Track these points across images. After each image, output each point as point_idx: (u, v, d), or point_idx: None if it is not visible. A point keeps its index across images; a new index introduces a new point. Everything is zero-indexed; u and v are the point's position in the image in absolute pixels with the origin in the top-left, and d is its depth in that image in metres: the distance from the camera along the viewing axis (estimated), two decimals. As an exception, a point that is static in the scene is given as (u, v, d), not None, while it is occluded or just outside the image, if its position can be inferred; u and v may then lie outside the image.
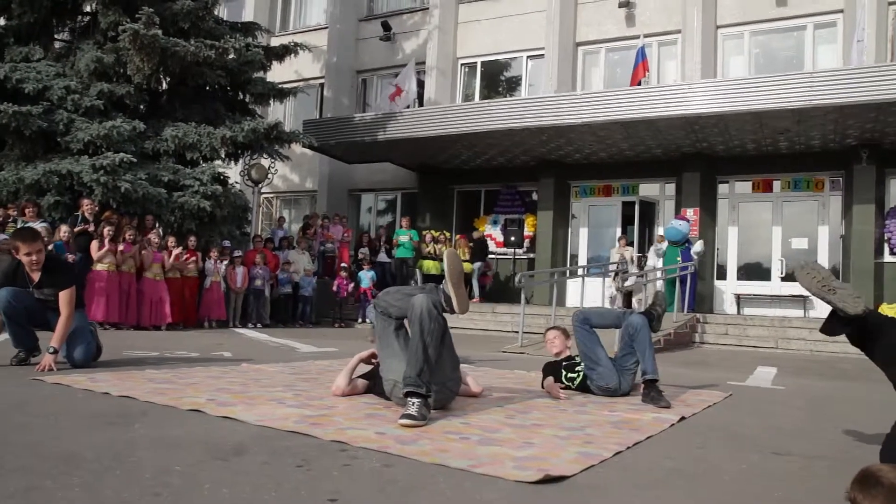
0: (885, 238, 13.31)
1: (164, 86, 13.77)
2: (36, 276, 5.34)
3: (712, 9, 15.08)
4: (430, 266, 15.20)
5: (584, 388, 5.11)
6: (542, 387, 5.02)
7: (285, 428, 3.37)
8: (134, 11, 12.25)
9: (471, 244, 15.48)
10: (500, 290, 15.56)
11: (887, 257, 13.28)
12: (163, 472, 2.47)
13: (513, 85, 17.76)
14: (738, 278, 14.90)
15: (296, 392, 4.52)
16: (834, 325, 3.44)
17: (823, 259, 14.08)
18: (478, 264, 15.40)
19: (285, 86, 16.73)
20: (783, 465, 3.18)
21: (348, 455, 2.91)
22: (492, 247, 16.63)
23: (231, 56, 13.55)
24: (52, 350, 5.11)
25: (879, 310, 12.34)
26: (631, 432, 3.65)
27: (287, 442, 3.10)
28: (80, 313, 5.51)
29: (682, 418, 4.19)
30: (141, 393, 4.13)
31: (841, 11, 14.08)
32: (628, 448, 3.30)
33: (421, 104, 17.14)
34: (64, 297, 5.26)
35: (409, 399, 3.67)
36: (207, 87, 14.30)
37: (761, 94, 11.93)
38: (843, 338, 10.15)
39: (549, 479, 2.62)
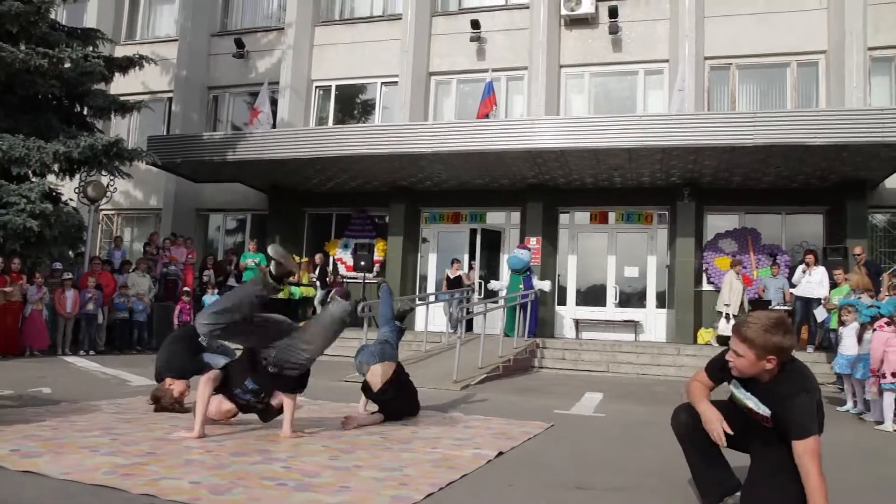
0: (703, 269, 14.59)
1: (-12, 93, 12.78)
2: None
3: (556, 49, 15.99)
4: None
5: None
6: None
7: (93, 481, 3.26)
8: (-47, 13, 11.32)
9: (317, 268, 15.36)
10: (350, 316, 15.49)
11: (705, 286, 14.55)
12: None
13: (367, 109, 17.91)
14: (577, 304, 15.75)
15: (114, 436, 4.35)
16: None
17: (651, 286, 15.22)
18: (324, 290, 15.29)
19: (131, 98, 15.97)
20: (580, 500, 3.45)
21: (155, 510, 2.87)
22: (342, 270, 16.62)
23: (67, 65, 12.80)
24: None
25: (697, 334, 13.56)
26: (448, 471, 3.82)
27: (91, 498, 3.01)
28: None
29: (500, 453, 4.42)
30: (-68, 446, 3.84)
31: (667, 61, 15.40)
32: (441, 489, 3.46)
33: (273, 125, 16.90)
34: None
35: None
36: (39, 97, 13.39)
37: (598, 133, 12.74)
38: (663, 361, 10.88)
39: (353, 529, 2.71)
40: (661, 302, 15.13)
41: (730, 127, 12.08)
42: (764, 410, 2.93)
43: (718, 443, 2.94)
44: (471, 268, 15.58)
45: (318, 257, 15.69)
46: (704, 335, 13.89)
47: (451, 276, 14.89)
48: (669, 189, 14.64)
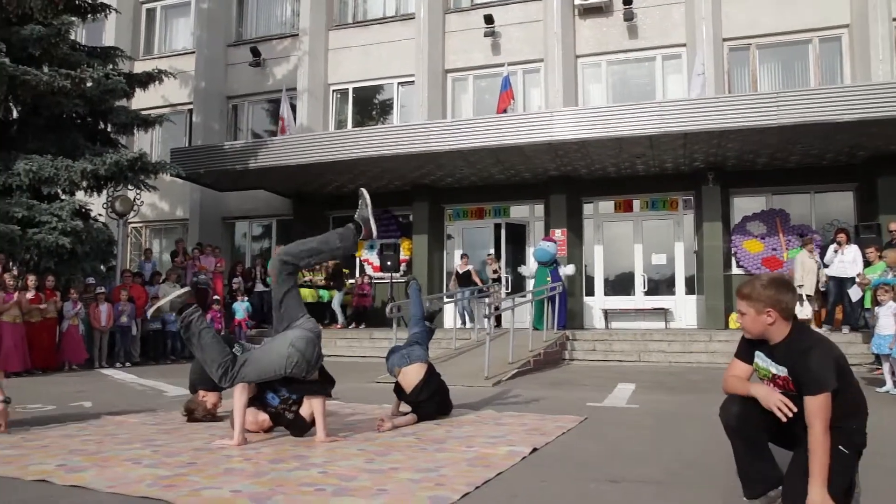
0: (732, 252, 14.44)
1: (15, 115, 13.04)
2: None
3: (571, 39, 15.91)
4: (306, 294, 15.04)
5: None
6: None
7: (137, 493, 3.34)
8: (-22, 39, 11.56)
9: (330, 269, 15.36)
10: (378, 316, 15.61)
11: (735, 270, 14.40)
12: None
13: (385, 110, 17.98)
14: (606, 294, 15.69)
15: (154, 448, 4.44)
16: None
17: (680, 272, 15.10)
18: (341, 291, 15.31)
19: (152, 111, 16.18)
20: (614, 494, 3.46)
21: (198, 521, 2.93)
22: (368, 271, 16.71)
23: (89, 84, 13.00)
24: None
25: (729, 319, 13.40)
26: (483, 470, 3.85)
27: (136, 511, 3.08)
28: None
29: (535, 449, 4.44)
30: (-19, 464, 3.95)
31: (684, 45, 15.26)
32: (477, 488, 3.49)
33: (294, 130, 17.02)
34: None
35: None
36: (64, 116, 13.64)
37: (618, 122, 12.65)
38: (695, 348, 10.78)
39: (393, 532, 2.75)
40: (690, 288, 15.01)
41: (752, 109, 11.93)
42: (781, 370, 2.99)
43: (783, 412, 2.90)
44: (487, 263, 15.41)
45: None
46: (736, 320, 13.74)
47: (461, 272, 14.96)
48: (693, 174, 14.51)
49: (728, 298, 13.89)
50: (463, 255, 15.29)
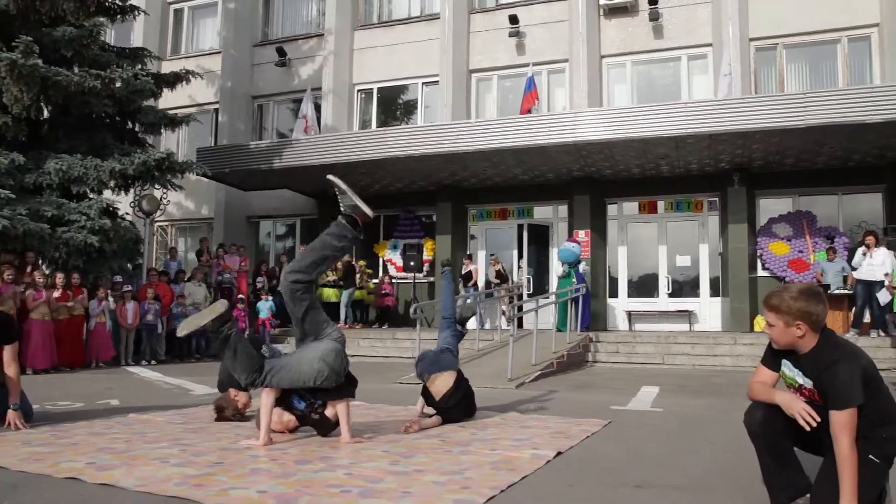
0: (758, 254, 14.28)
1: (46, 115, 13.25)
2: None
3: (596, 39, 15.84)
4: (329, 294, 15.14)
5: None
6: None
7: (165, 492, 3.38)
8: (10, 39, 11.73)
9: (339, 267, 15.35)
10: (401, 316, 15.66)
11: (760, 272, 14.25)
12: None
13: (409, 109, 18.03)
14: (629, 295, 15.60)
15: (182, 447, 4.49)
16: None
17: (705, 274, 14.97)
18: (349, 290, 15.24)
19: (179, 111, 16.38)
20: (639, 499, 3.44)
21: (227, 521, 2.96)
22: (391, 271, 16.76)
23: (118, 85, 13.18)
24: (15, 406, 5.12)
25: (754, 322, 13.26)
26: (508, 473, 3.84)
27: (167, 510, 3.12)
28: None
29: (559, 453, 4.42)
30: (13, 461, 4.01)
31: (710, 45, 15.12)
32: (502, 491, 3.49)
33: (318, 130, 17.13)
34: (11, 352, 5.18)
35: None
36: (94, 116, 13.82)
37: (642, 123, 12.58)
38: (719, 351, 10.75)
39: (419, 536, 2.76)
40: (715, 290, 14.88)
41: (779, 109, 11.81)
42: (807, 382, 2.96)
43: (807, 421, 2.87)
44: (490, 264, 15.38)
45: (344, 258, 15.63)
46: (761, 323, 13.60)
47: (463, 272, 15.09)
48: (719, 175, 14.38)
49: (753, 301, 13.76)
50: (467, 256, 15.39)
